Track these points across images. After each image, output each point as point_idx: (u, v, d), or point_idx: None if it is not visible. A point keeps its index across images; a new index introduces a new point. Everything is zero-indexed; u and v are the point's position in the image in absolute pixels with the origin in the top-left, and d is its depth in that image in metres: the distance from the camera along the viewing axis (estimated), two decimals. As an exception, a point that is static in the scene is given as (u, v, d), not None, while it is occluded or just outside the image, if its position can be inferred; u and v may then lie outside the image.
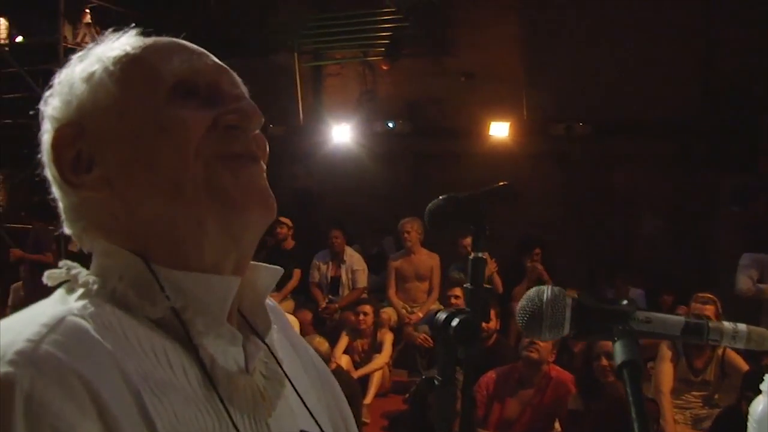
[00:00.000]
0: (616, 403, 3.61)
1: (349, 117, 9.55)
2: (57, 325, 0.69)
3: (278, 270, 0.91)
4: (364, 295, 7.17)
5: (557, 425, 4.11)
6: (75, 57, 0.87)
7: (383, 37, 9.62)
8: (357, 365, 6.20)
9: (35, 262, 7.68)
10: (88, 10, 9.82)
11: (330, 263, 7.60)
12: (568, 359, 5.41)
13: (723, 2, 8.08)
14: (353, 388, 5.48)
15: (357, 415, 5.36)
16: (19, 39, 10.51)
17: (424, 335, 6.48)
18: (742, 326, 0.84)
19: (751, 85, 7.75)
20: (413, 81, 9.90)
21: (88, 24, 9.92)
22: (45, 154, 0.85)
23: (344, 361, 6.04)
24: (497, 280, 6.95)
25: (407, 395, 5.92)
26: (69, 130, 0.83)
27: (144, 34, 0.89)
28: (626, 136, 8.44)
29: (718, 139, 7.89)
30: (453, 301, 6.08)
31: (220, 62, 0.89)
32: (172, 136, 0.79)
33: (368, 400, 5.90)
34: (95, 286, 0.78)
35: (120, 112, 0.81)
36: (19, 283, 7.94)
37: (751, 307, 6.51)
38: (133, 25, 0.90)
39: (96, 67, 0.84)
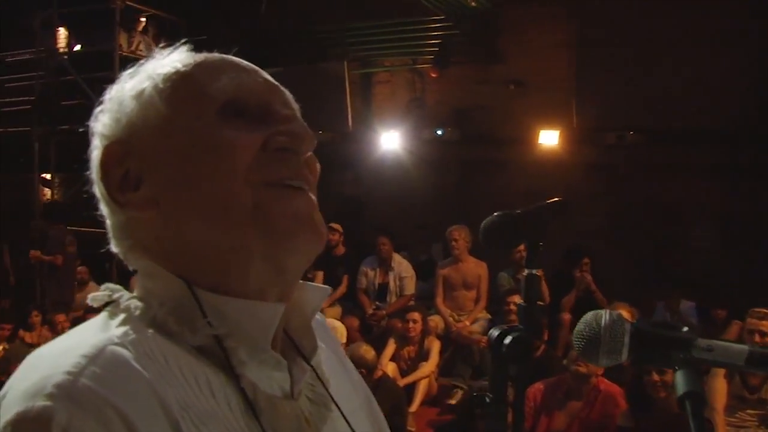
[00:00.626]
0: (667, 420, 3.53)
1: (398, 124, 9.58)
2: (97, 356, 0.68)
3: (326, 289, 0.89)
4: (412, 303, 7.17)
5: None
6: (126, 73, 0.87)
7: (432, 45, 9.62)
8: (403, 373, 6.19)
9: (49, 264, 8.00)
10: (143, 19, 10.07)
11: (377, 270, 7.61)
12: (618, 371, 5.30)
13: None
14: (399, 396, 5.47)
15: (402, 424, 5.36)
16: (77, 48, 10.83)
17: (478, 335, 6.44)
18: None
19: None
20: (462, 88, 9.88)
21: (142, 32, 10.18)
22: (93, 171, 0.84)
23: (390, 368, 6.03)
24: (544, 290, 6.88)
25: (453, 404, 5.89)
26: (118, 148, 0.82)
27: (195, 44, 0.88)
28: (678, 145, 8.27)
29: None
30: (512, 308, 5.91)
31: (272, 80, 0.86)
32: (221, 158, 0.77)
33: (414, 408, 5.88)
34: (137, 312, 0.77)
35: (168, 130, 0.79)
36: (75, 283, 8.16)
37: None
38: (184, 40, 0.89)
39: (146, 84, 0.82)
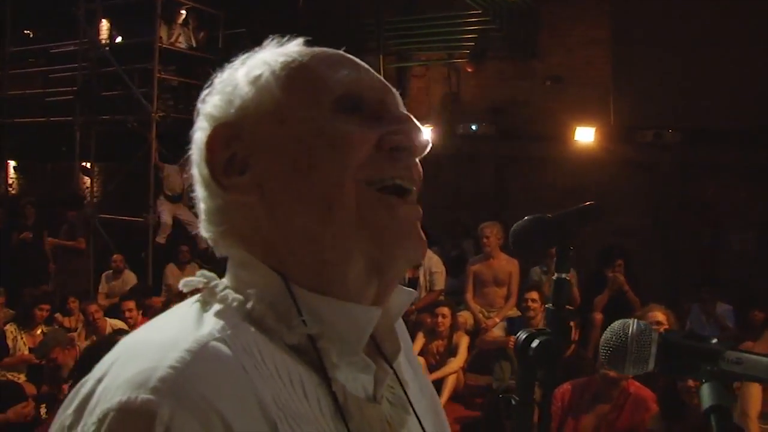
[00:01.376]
0: (700, 427, 3.47)
1: (433, 119, 9.55)
2: (199, 353, 0.68)
3: (413, 292, 0.89)
4: (441, 298, 7.16)
5: (636, 444, 3.96)
6: (238, 60, 0.86)
7: (469, 40, 9.59)
8: (432, 368, 6.19)
9: (69, 248, 8.18)
10: (183, 12, 10.19)
11: (406, 264, 7.60)
12: (650, 375, 5.24)
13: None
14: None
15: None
16: (119, 39, 11.00)
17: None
18: None
19: None
20: (498, 84, 9.84)
21: (182, 24, 10.30)
22: (197, 151, 0.83)
23: (419, 363, 6.03)
24: (575, 293, 6.83)
25: (481, 401, 5.88)
26: (227, 131, 0.80)
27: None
28: (716, 145, 8.13)
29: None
30: (530, 304, 6.01)
31: (385, 81, 0.86)
32: (336, 151, 0.77)
33: (441, 403, 5.88)
34: (234, 304, 0.76)
35: (282, 117, 0.79)
36: (110, 271, 8.31)
37: None
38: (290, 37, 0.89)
39: (263, 69, 0.82)
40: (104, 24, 11.00)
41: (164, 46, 9.62)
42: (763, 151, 7.92)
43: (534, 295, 6.14)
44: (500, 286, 7.14)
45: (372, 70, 0.85)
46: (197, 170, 0.83)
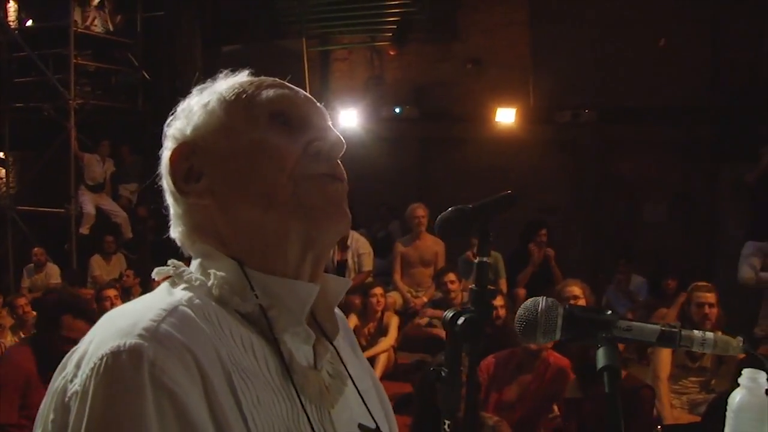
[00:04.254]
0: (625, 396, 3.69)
1: (357, 102, 9.61)
2: (173, 311, 0.85)
3: (348, 281, 1.07)
4: (370, 279, 7.26)
5: (555, 409, 4.17)
6: (195, 89, 1.04)
7: (391, 23, 9.64)
8: (363, 348, 6.26)
9: None
10: (97, -6, 9.86)
11: (335, 247, 7.67)
12: (566, 345, 5.48)
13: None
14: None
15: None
16: (29, 23, 10.58)
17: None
18: (709, 335, 0.98)
19: (758, 72, 7.80)
20: (420, 66, 9.97)
21: (97, 8, 9.96)
22: (163, 167, 1.01)
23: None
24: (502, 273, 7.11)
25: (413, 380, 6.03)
26: (185, 148, 0.99)
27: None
28: (632, 123, 8.51)
29: (724, 126, 7.94)
30: (449, 286, 6.42)
31: (310, 96, 1.05)
32: (270, 159, 0.95)
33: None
34: (197, 283, 0.93)
35: (226, 133, 0.97)
36: (31, 265, 8.10)
37: (753, 294, 6.61)
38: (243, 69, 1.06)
39: (211, 97, 1.01)
40: (11, 6, 10.55)
41: (80, 30, 9.30)
42: (675, 127, 8.32)
43: (452, 276, 6.44)
44: (427, 266, 7.30)
45: (300, 90, 1.05)
46: (165, 182, 1.01)
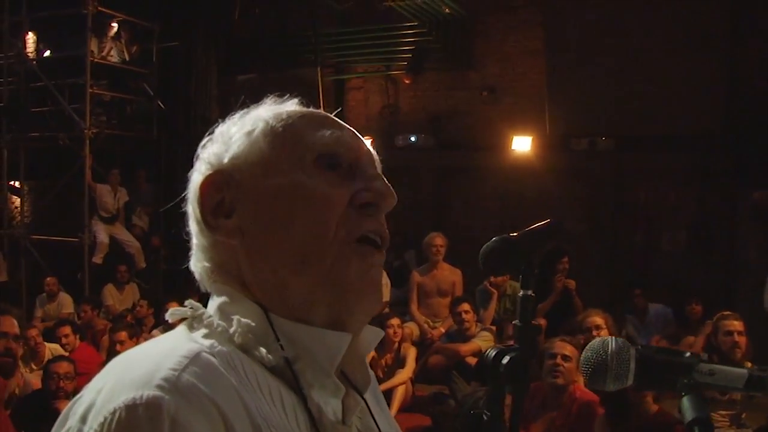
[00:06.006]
0: (644, 426, 3.56)
1: (372, 131, 9.58)
2: (195, 359, 0.75)
3: (380, 331, 0.96)
4: (387, 310, 7.16)
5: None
6: (239, 114, 0.94)
7: (405, 51, 9.66)
8: (380, 380, 6.19)
9: None
10: (114, 25, 9.93)
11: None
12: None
13: (747, 18, 8.05)
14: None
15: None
16: (47, 54, 10.66)
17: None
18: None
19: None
20: (435, 95, 9.95)
21: (114, 38, 10.03)
22: (191, 192, 0.91)
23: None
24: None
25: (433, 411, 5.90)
26: (219, 177, 0.88)
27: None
28: (649, 151, 8.42)
29: (740, 153, 7.84)
30: (463, 316, 6.27)
31: (362, 139, 0.95)
32: (313, 207, 0.85)
33: (392, 414, 5.87)
34: (219, 329, 0.83)
35: (266, 170, 0.87)
36: (44, 294, 8.04)
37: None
38: (287, 96, 0.97)
39: (256, 125, 0.90)
40: (30, 37, 10.65)
41: (96, 60, 9.35)
42: (690, 156, 8.22)
43: (465, 306, 6.30)
44: (444, 297, 7.19)
45: (353, 130, 0.94)
46: (191, 208, 0.91)
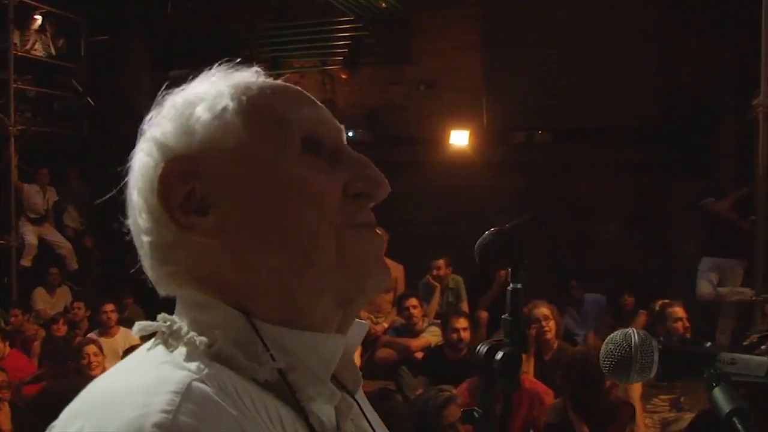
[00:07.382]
0: (606, 414, 3.64)
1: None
2: (187, 393, 0.65)
3: (365, 325, 0.88)
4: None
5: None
6: (191, 80, 0.82)
7: (342, 46, 9.60)
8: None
9: None
10: (38, 17, 9.53)
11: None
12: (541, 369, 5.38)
13: (678, 11, 8.28)
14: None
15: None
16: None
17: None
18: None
19: (707, 91, 7.95)
20: (373, 90, 9.92)
21: (37, 31, 9.63)
22: (141, 178, 0.77)
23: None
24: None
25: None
26: (185, 165, 0.75)
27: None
28: (586, 143, 8.59)
29: (677, 145, 8.08)
30: (411, 311, 6.21)
31: (334, 119, 0.86)
32: (308, 200, 0.75)
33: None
34: (201, 347, 0.72)
35: (246, 158, 0.75)
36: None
37: (711, 309, 6.68)
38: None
39: (226, 102, 0.77)
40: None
41: (20, 53, 8.96)
42: (627, 147, 8.43)
43: (413, 301, 6.28)
44: (386, 292, 7.16)
45: (326, 108, 0.85)
46: (141, 198, 0.77)
